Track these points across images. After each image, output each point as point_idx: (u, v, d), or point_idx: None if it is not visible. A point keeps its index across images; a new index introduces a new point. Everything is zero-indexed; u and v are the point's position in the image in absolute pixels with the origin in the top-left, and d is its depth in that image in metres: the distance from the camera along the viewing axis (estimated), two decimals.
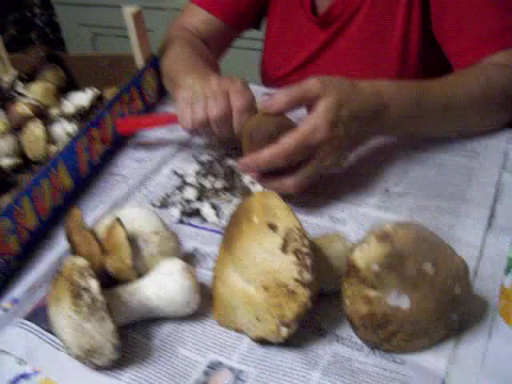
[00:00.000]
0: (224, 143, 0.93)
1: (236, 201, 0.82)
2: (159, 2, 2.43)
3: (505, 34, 0.93)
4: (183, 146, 0.97)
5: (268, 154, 0.72)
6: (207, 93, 0.83)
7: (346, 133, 0.75)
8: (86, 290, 0.58)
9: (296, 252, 0.55)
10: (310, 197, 0.81)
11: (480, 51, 0.95)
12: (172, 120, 0.90)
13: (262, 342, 0.60)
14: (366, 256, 0.55)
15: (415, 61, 1.08)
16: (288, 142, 0.71)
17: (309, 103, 0.75)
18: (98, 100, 1.12)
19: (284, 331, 0.57)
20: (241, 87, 0.84)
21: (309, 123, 0.72)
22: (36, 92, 1.08)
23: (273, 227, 0.57)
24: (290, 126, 0.74)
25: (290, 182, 0.75)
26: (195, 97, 0.84)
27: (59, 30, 2.87)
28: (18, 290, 0.72)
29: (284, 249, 0.56)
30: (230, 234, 0.62)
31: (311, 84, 0.74)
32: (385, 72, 1.09)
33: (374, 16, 1.07)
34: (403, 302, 0.56)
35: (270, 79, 1.25)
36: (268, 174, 0.76)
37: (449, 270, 0.56)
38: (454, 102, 0.87)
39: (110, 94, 1.13)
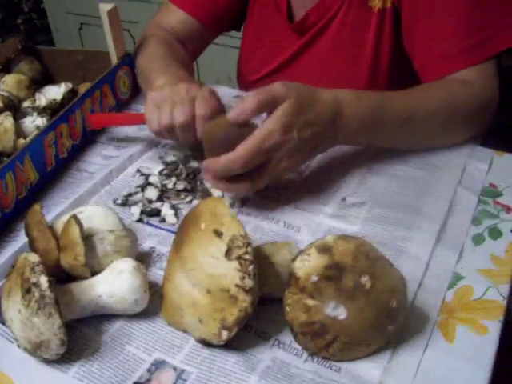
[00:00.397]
0: (188, 145, 0.94)
1: (196, 202, 0.84)
2: None
3: (469, 53, 0.96)
4: (151, 145, 0.98)
5: (225, 160, 0.74)
6: (175, 98, 0.85)
7: (300, 137, 0.77)
8: (36, 285, 0.59)
9: (239, 259, 0.57)
10: (268, 202, 0.83)
11: (445, 67, 0.97)
12: (141, 120, 0.91)
13: (205, 343, 0.62)
14: (306, 266, 0.57)
15: (386, 71, 1.10)
16: (244, 148, 0.73)
17: (274, 107, 0.76)
18: (72, 94, 1.13)
19: (225, 334, 0.59)
20: (207, 95, 0.86)
21: (264, 128, 0.74)
22: (9, 84, 1.09)
23: (218, 234, 0.59)
24: (246, 128, 0.76)
25: (243, 187, 0.77)
26: (163, 101, 0.87)
27: (46, 17, 2.87)
28: None
29: (228, 255, 0.58)
30: (179, 238, 0.64)
31: (275, 88, 0.76)
32: (355, 81, 1.11)
33: (347, 25, 1.09)
34: (340, 313, 0.58)
35: (245, 82, 1.27)
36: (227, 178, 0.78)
37: (386, 284, 0.58)
38: (414, 114, 0.89)
39: (84, 89, 1.15)
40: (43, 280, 0.60)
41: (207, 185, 0.86)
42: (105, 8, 1.04)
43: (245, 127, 0.76)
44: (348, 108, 0.82)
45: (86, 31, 2.76)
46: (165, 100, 0.87)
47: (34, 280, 0.60)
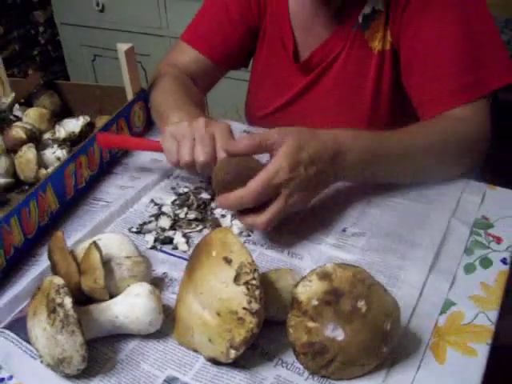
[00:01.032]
0: (200, 177, 1.00)
1: (206, 231, 0.90)
2: (157, 29, 2.52)
3: (464, 91, 1.02)
4: (164, 176, 1.05)
5: (238, 195, 0.80)
6: (195, 135, 0.92)
7: (307, 173, 0.83)
8: (61, 305, 0.65)
9: (247, 284, 0.63)
10: (273, 232, 0.88)
11: (442, 105, 1.03)
12: (154, 147, 0.98)
13: (214, 361, 0.68)
14: (308, 291, 0.63)
15: (386, 107, 1.17)
16: (254, 184, 0.80)
17: (269, 150, 0.83)
18: (89, 126, 1.20)
19: (232, 353, 0.64)
20: (226, 131, 0.92)
21: (272, 165, 0.81)
22: (32, 117, 1.16)
23: (228, 261, 0.65)
24: (255, 167, 0.82)
25: (260, 220, 0.83)
26: (182, 135, 0.93)
27: (60, 49, 2.97)
28: (1, 300, 0.80)
29: (236, 280, 0.64)
30: (192, 264, 0.70)
31: (271, 133, 0.83)
32: (357, 118, 1.18)
33: (349, 65, 1.16)
34: (339, 334, 0.63)
35: (253, 117, 1.34)
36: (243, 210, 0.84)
37: (381, 309, 0.64)
38: (410, 152, 0.94)
39: (101, 121, 1.22)
40: (67, 301, 0.65)
41: (217, 215, 0.92)
42: (122, 48, 1.11)
43: (249, 165, 0.83)
44: (347, 149, 0.88)
45: (98, 62, 2.86)
46: (184, 134, 0.93)
47: (58, 301, 0.65)
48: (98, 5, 2.61)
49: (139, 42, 2.59)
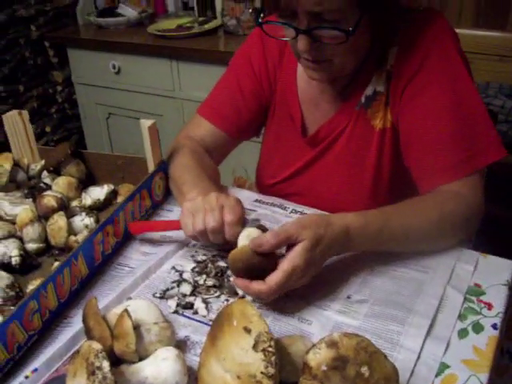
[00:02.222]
0: (216, 246, 1.10)
1: (223, 297, 0.99)
2: (170, 91, 2.66)
3: (458, 167, 1.12)
4: (183, 244, 1.15)
5: (257, 289, 0.92)
6: (206, 207, 1.03)
7: (319, 262, 0.96)
8: (100, 368, 0.74)
9: (264, 351, 0.72)
10: (284, 298, 0.97)
11: (439, 179, 1.13)
12: (175, 226, 1.08)
13: None
14: (318, 358, 0.72)
15: (387, 179, 1.27)
16: (274, 284, 0.90)
17: (288, 243, 0.94)
18: (112, 194, 1.31)
19: None
20: (233, 203, 1.04)
21: (290, 265, 0.91)
22: (61, 185, 1.27)
23: (247, 330, 0.74)
24: (270, 258, 0.93)
25: (265, 293, 0.93)
26: (196, 209, 1.04)
27: (76, 107, 3.11)
28: (38, 360, 0.88)
29: (255, 348, 0.73)
30: (214, 331, 0.79)
31: (290, 227, 0.93)
32: (361, 188, 1.27)
33: (353, 140, 1.26)
34: None
35: (263, 185, 1.44)
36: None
37: (381, 373, 0.72)
38: (410, 229, 1.05)
39: (123, 189, 1.32)
40: (105, 364, 0.74)
41: (233, 283, 1.01)
42: (145, 124, 1.21)
43: (264, 256, 0.92)
44: (356, 236, 0.99)
45: (112, 120, 2.99)
46: (198, 209, 1.04)
47: (97, 364, 0.74)
48: (114, 67, 2.75)
49: (152, 102, 2.74)
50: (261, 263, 0.92)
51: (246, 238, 0.96)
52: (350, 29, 1.04)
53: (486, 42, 2.01)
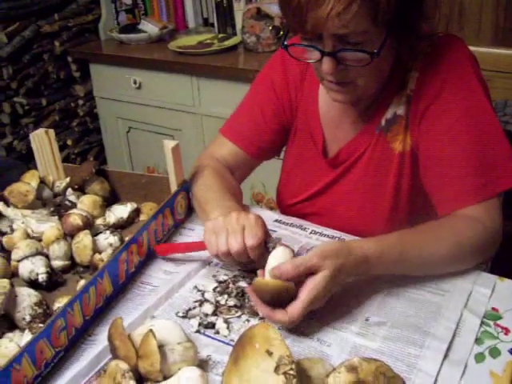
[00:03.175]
0: (238, 266, 1.13)
1: (244, 317, 1.02)
2: (190, 107, 2.69)
3: (476, 192, 1.14)
4: (205, 263, 1.17)
5: (280, 319, 0.95)
6: (228, 228, 1.06)
7: (337, 288, 1.00)
8: None
9: (285, 374, 0.75)
10: (304, 321, 0.99)
11: (456, 204, 1.15)
12: (200, 248, 1.11)
13: None
14: (337, 382, 0.74)
15: (406, 202, 1.28)
16: (296, 314, 0.94)
17: (309, 272, 0.96)
18: (135, 212, 1.34)
19: None
20: (254, 223, 1.06)
21: (309, 295, 0.94)
22: (86, 203, 1.30)
23: (269, 353, 0.76)
24: (289, 289, 0.95)
25: (289, 320, 0.96)
26: (218, 229, 1.07)
27: (97, 121, 3.16)
28: (64, 377, 0.91)
29: (276, 370, 0.75)
30: (237, 353, 0.81)
31: (311, 257, 0.96)
32: (380, 209, 1.29)
33: (373, 162, 1.28)
34: None
35: (284, 205, 1.47)
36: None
37: None
38: (427, 255, 1.07)
39: (145, 207, 1.35)
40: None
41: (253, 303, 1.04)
42: (169, 145, 1.24)
43: (284, 287, 0.95)
44: (374, 264, 1.03)
45: (132, 134, 3.03)
46: (220, 229, 1.07)
47: (124, 383, 0.77)
48: (135, 83, 2.80)
49: (172, 117, 2.78)
50: (283, 294, 0.95)
51: (275, 259, 0.99)
52: (375, 50, 1.06)
53: (504, 60, 2.03)
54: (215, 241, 1.07)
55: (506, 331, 0.99)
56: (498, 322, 1.01)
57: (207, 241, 1.09)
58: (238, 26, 2.71)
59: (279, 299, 0.95)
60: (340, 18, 1.00)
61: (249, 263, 1.09)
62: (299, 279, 0.96)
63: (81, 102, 3.16)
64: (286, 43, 1.16)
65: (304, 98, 1.36)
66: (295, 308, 0.94)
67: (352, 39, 1.05)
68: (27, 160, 2.46)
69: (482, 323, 1.00)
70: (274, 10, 2.44)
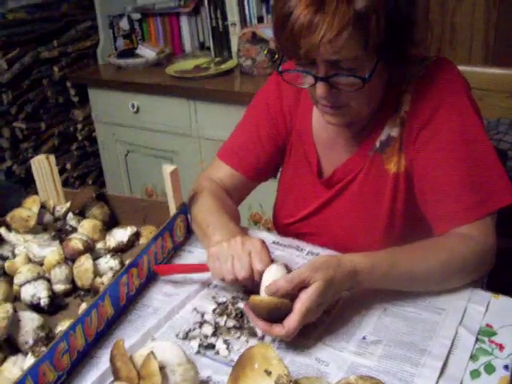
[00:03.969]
0: (240, 288, 1.16)
1: (244, 338, 1.03)
2: (187, 129, 2.72)
3: (471, 210, 1.16)
4: (204, 285, 1.19)
5: (277, 333, 0.98)
6: (234, 254, 1.09)
7: (331, 300, 1.03)
8: None
9: None
10: (302, 339, 1.01)
11: (451, 223, 1.17)
12: (200, 269, 1.14)
13: None
14: None
15: (400, 222, 1.30)
16: (292, 328, 0.97)
17: (302, 285, 0.99)
18: (135, 236, 1.36)
19: None
20: (259, 248, 1.09)
21: (303, 307, 0.97)
22: (86, 228, 1.32)
23: (268, 373, 0.78)
24: (284, 304, 0.98)
25: (286, 333, 0.98)
26: (223, 255, 1.10)
27: (96, 144, 3.19)
28: None
29: None
30: (237, 372, 0.83)
31: (303, 271, 0.99)
32: (375, 229, 1.31)
33: (367, 183, 1.30)
34: None
35: (280, 224, 1.49)
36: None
37: None
38: (419, 272, 1.10)
39: (145, 231, 1.37)
40: None
41: (252, 324, 1.06)
42: (168, 169, 1.26)
43: (279, 303, 0.98)
44: (365, 278, 1.06)
45: (131, 157, 3.06)
46: (225, 255, 1.10)
47: None
48: (133, 107, 2.83)
49: (169, 140, 2.81)
50: (279, 310, 0.97)
51: (271, 275, 1.03)
52: (366, 76, 1.10)
53: (496, 78, 2.05)
54: (220, 266, 1.10)
55: (501, 347, 1.00)
56: (493, 338, 1.02)
57: (212, 267, 1.12)
58: (234, 49, 2.75)
59: (276, 315, 0.97)
60: (332, 45, 1.04)
61: (253, 287, 1.12)
62: (294, 293, 0.98)
63: (79, 126, 3.19)
64: (280, 69, 1.20)
65: (298, 120, 1.39)
66: (291, 320, 0.97)
67: (344, 65, 1.09)
68: (26, 184, 2.48)
69: (477, 340, 1.02)
70: (268, 34, 2.48)
